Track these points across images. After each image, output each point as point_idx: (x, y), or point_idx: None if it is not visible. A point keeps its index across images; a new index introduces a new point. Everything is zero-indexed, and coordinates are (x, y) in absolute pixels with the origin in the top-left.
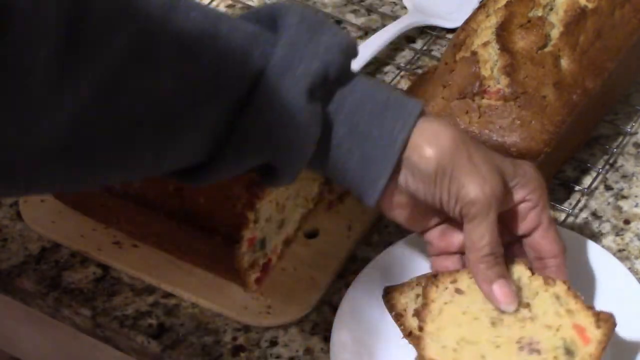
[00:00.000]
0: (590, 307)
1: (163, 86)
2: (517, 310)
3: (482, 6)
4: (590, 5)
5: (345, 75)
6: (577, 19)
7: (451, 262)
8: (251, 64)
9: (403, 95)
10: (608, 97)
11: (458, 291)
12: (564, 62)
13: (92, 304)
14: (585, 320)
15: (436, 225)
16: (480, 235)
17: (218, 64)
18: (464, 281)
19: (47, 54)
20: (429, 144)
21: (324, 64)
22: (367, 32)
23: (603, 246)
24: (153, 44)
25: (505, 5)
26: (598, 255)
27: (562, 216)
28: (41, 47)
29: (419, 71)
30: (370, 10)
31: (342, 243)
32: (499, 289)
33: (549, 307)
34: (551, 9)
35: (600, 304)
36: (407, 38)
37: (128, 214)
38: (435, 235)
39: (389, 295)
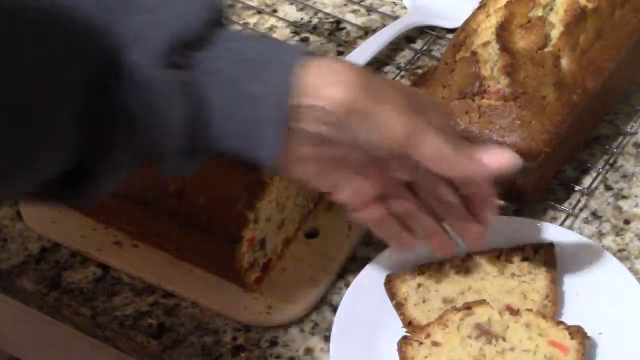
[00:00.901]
0: (560, 322)
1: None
2: (496, 344)
3: (482, 6)
4: (590, 5)
5: (208, 36)
6: (577, 19)
7: (375, 210)
8: (99, 40)
9: (282, 43)
10: (608, 97)
11: (435, 344)
12: (564, 62)
13: (92, 304)
14: (559, 334)
15: (347, 179)
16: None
17: (64, 43)
18: (438, 333)
19: None
20: (328, 82)
21: (177, 26)
22: (367, 32)
23: (603, 246)
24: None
25: (505, 5)
26: (598, 255)
27: (562, 216)
28: None
29: (419, 71)
30: (370, 10)
31: (342, 243)
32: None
33: (522, 335)
34: (551, 9)
35: (600, 304)
36: (407, 38)
37: (128, 214)
38: (349, 192)
39: (390, 283)
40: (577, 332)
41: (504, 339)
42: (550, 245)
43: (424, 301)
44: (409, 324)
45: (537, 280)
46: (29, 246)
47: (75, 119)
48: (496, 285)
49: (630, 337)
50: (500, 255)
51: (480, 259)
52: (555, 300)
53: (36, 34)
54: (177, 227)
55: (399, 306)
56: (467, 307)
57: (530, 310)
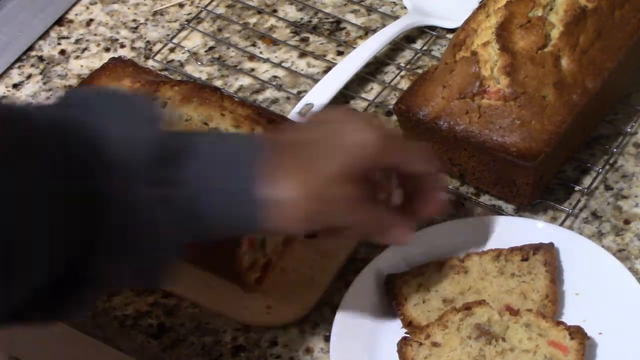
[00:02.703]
0: (559, 322)
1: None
2: (496, 345)
3: (482, 6)
4: (590, 5)
5: (171, 148)
6: (577, 19)
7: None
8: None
9: (241, 138)
10: (608, 97)
11: (435, 344)
12: (564, 62)
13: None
14: (559, 334)
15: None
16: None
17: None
18: (438, 333)
19: None
20: (282, 217)
21: (153, 141)
22: (367, 32)
23: (603, 246)
24: None
25: (505, 5)
26: (598, 255)
27: (562, 216)
28: None
29: (419, 71)
30: (370, 10)
31: (342, 243)
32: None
33: (522, 335)
34: (551, 9)
35: (600, 304)
36: (407, 38)
37: None
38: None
39: (390, 283)
40: (577, 333)
41: (503, 340)
42: (550, 245)
43: (423, 301)
44: (408, 324)
45: (537, 280)
46: None
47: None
48: (496, 285)
49: (630, 337)
50: (500, 255)
51: (480, 259)
52: (555, 300)
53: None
54: None
55: (399, 306)
56: (467, 307)
57: (530, 310)
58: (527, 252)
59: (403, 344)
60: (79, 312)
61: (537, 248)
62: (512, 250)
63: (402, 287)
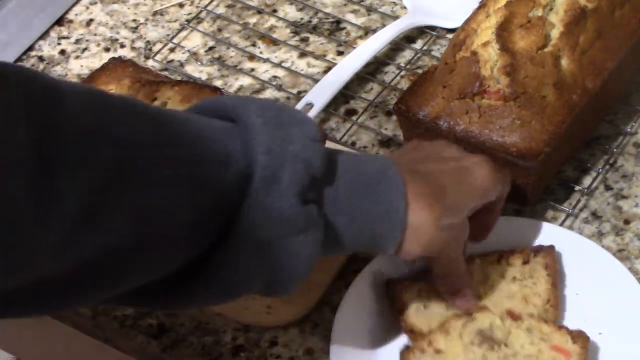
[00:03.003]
0: (561, 326)
1: (147, 195)
2: (498, 350)
3: (482, 6)
4: (590, 5)
5: (326, 166)
6: (577, 19)
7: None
8: (235, 168)
9: (380, 160)
10: (608, 97)
11: (438, 351)
12: (564, 62)
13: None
14: (561, 339)
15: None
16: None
17: (199, 159)
18: (440, 340)
19: (22, 181)
20: (413, 240)
21: (309, 164)
22: (367, 32)
23: (603, 246)
24: (135, 156)
25: (505, 5)
26: (598, 255)
27: (562, 216)
28: (15, 175)
29: (419, 71)
30: (370, 10)
31: None
32: (461, 300)
33: (525, 340)
34: (551, 9)
35: (600, 304)
36: (407, 38)
37: None
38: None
39: (390, 289)
40: (578, 337)
41: (506, 345)
42: (551, 248)
43: (425, 307)
44: (410, 331)
45: (539, 284)
46: None
47: (205, 227)
48: (497, 290)
49: (630, 337)
50: (501, 258)
51: (481, 263)
52: (556, 304)
53: (175, 155)
54: None
55: (399, 313)
56: (468, 313)
57: (532, 315)
58: (528, 255)
59: (406, 352)
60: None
61: (537, 251)
62: (513, 253)
63: (403, 293)
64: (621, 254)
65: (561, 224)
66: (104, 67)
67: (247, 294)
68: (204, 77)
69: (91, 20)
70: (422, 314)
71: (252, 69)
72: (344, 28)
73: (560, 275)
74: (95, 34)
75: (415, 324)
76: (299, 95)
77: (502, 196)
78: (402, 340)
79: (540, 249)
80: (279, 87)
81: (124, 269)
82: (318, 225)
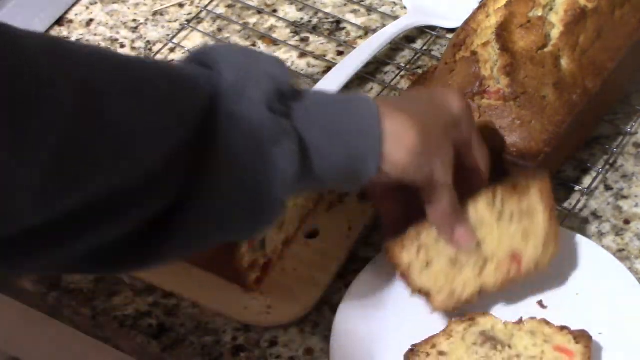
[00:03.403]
0: (563, 327)
1: (116, 121)
2: (502, 351)
3: (482, 6)
4: (590, 5)
5: (293, 85)
6: (577, 19)
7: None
8: (202, 91)
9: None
10: (608, 97)
11: (441, 354)
12: (564, 62)
13: (92, 304)
14: (564, 339)
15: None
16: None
17: (170, 94)
18: (443, 343)
19: None
20: (395, 147)
21: (275, 80)
22: (367, 32)
23: (603, 246)
24: (98, 100)
25: (505, 5)
26: (598, 255)
27: (562, 216)
28: None
29: (419, 71)
30: (370, 10)
31: (342, 243)
32: (460, 233)
33: (528, 342)
34: (551, 9)
35: (600, 304)
36: (407, 38)
37: None
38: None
39: (390, 253)
40: (581, 337)
41: (509, 347)
42: (543, 174)
43: (427, 265)
44: (419, 291)
45: (536, 217)
46: None
47: (183, 160)
48: (496, 233)
49: (630, 337)
50: (495, 197)
51: (476, 205)
52: (555, 235)
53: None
54: None
55: (403, 275)
56: (470, 318)
57: (533, 318)
58: (521, 186)
59: (410, 355)
60: (173, 252)
61: (531, 180)
62: (506, 189)
63: (403, 254)
64: (621, 254)
65: (561, 224)
66: None
67: (234, 227)
68: None
69: (91, 20)
70: (426, 272)
71: None
72: (344, 28)
73: (561, 275)
74: (95, 34)
75: (423, 284)
76: None
77: (476, 132)
78: (402, 340)
79: (533, 178)
80: None
81: (103, 218)
82: (290, 136)
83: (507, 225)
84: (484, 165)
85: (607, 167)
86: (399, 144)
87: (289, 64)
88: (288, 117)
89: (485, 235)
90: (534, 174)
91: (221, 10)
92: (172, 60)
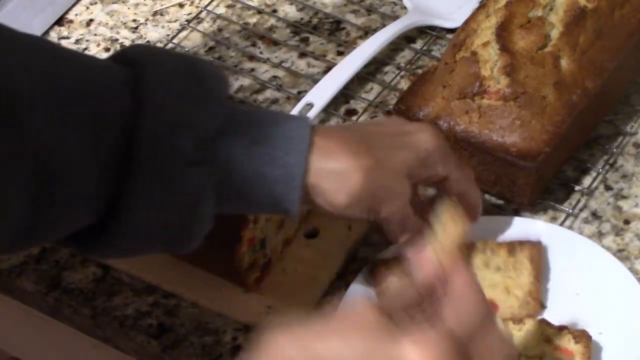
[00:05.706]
0: (563, 327)
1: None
2: None
3: (482, 6)
4: (590, 5)
5: (223, 128)
6: (577, 19)
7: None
8: (125, 116)
9: (296, 121)
10: (608, 97)
11: None
12: (564, 62)
13: (92, 304)
14: (563, 339)
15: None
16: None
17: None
18: None
19: None
20: (332, 189)
21: (195, 128)
22: (367, 32)
23: (603, 246)
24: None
25: (505, 5)
26: (598, 255)
27: (562, 216)
28: None
29: (419, 71)
30: (370, 10)
31: (342, 243)
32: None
33: (528, 342)
34: (551, 9)
35: (600, 304)
36: (407, 38)
37: None
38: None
39: (374, 270)
40: (581, 336)
41: None
42: (537, 242)
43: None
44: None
45: (521, 276)
46: None
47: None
48: (480, 278)
49: (630, 337)
50: (487, 248)
51: (467, 250)
52: (538, 297)
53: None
54: None
55: (379, 295)
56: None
57: (512, 307)
58: (514, 247)
59: None
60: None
61: (523, 244)
62: (499, 244)
63: (386, 275)
64: (621, 254)
65: (561, 224)
66: None
67: (156, 242)
68: None
69: (91, 20)
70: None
71: (252, 69)
72: (344, 28)
73: (561, 276)
74: (95, 34)
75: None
76: (299, 95)
77: (460, 167)
78: None
79: (526, 243)
80: (279, 87)
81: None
82: (210, 178)
83: (492, 274)
84: (473, 199)
85: (607, 167)
86: (340, 185)
87: (289, 64)
88: (207, 164)
89: None
90: (528, 243)
91: (221, 10)
92: None
